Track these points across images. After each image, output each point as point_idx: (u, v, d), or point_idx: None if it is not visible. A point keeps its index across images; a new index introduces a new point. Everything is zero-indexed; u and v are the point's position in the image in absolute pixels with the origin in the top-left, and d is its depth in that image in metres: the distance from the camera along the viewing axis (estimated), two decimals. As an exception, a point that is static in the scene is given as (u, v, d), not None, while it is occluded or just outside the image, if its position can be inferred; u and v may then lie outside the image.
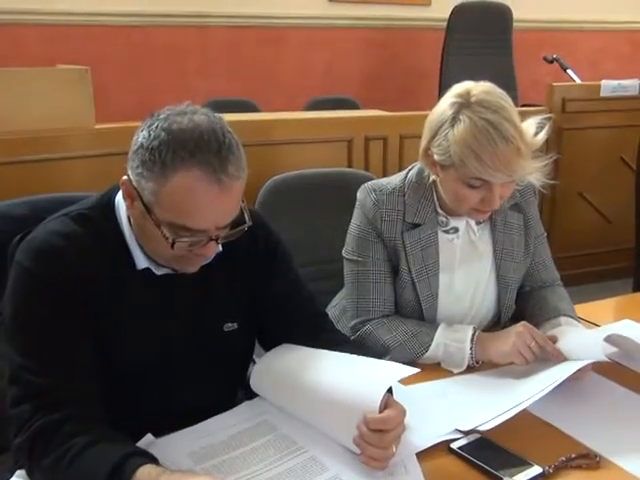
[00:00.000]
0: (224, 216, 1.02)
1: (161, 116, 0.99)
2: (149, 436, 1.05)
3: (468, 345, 1.30)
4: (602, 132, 3.33)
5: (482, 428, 1.09)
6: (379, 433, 0.98)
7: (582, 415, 1.17)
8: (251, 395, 1.23)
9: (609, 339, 1.24)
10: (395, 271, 1.42)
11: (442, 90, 3.39)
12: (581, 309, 1.59)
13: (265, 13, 4.00)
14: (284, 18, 4.05)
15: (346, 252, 1.45)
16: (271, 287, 1.21)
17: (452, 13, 4.00)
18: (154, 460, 0.93)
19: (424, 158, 1.35)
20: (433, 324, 1.39)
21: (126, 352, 1.08)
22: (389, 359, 1.31)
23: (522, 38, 4.29)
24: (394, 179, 1.45)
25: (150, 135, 0.97)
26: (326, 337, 1.22)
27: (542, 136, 1.30)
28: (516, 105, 4.03)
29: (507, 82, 4.07)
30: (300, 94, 3.87)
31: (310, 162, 2.26)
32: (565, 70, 3.69)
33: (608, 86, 3.18)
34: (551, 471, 1.01)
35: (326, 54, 4.20)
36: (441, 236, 1.42)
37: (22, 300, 1.02)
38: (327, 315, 1.32)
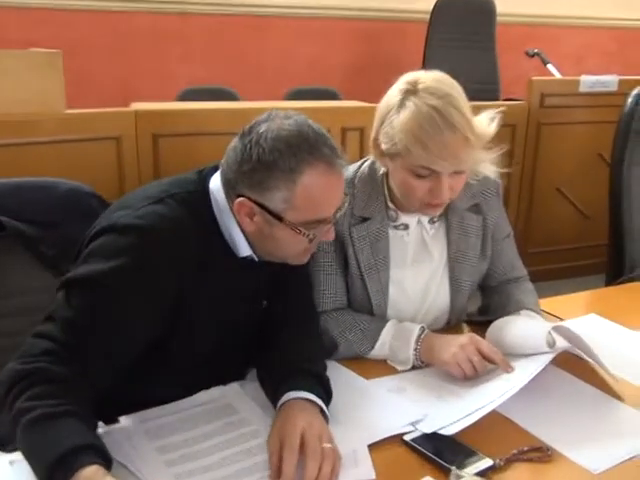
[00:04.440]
0: (342, 196, 1.11)
1: (260, 131, 1.03)
2: (100, 423, 1.05)
3: (412, 346, 1.28)
4: (581, 127, 3.33)
5: (443, 432, 1.06)
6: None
7: (538, 408, 1.16)
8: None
9: (557, 330, 1.24)
10: (346, 263, 1.39)
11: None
12: (549, 303, 1.59)
13: (250, 1, 3.97)
14: (268, 7, 4.02)
15: None
16: (289, 271, 1.22)
17: (435, 6, 3.98)
18: (106, 460, 0.91)
19: (374, 149, 1.32)
20: (383, 320, 1.36)
21: (203, 341, 1.13)
22: (337, 354, 1.32)
23: (506, 32, 4.28)
24: (346, 171, 1.41)
25: (265, 150, 1.01)
26: (296, 330, 1.22)
27: (494, 128, 1.27)
28: (498, 99, 4.02)
29: (490, 76, 4.08)
30: (282, 84, 3.84)
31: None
32: (546, 65, 3.68)
33: (587, 81, 3.18)
34: (502, 464, 1.00)
35: (310, 44, 4.17)
36: (391, 232, 1.39)
37: (112, 270, 1.00)
38: (313, 309, 1.32)
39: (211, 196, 1.12)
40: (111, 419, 1.08)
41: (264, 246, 1.12)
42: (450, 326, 1.47)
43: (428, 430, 1.07)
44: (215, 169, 1.14)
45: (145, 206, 1.06)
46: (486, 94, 3.82)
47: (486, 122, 1.28)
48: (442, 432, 1.06)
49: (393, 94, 1.26)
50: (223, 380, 1.19)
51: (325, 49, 4.21)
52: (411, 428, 1.08)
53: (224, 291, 1.13)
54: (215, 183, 1.12)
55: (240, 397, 1.17)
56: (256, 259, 1.16)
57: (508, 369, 1.22)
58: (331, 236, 1.13)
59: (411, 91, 1.23)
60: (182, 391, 1.14)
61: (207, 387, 1.17)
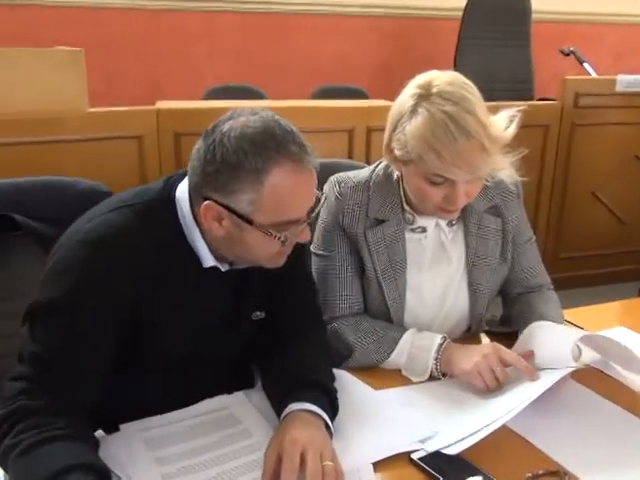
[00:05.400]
0: (314, 195, 1.04)
1: (224, 130, 0.98)
2: (99, 432, 1.04)
3: (433, 355, 1.23)
4: (617, 129, 3.21)
5: (447, 452, 1.01)
6: None
7: (556, 428, 1.09)
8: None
9: (585, 339, 1.18)
10: (362, 268, 1.36)
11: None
12: (575, 314, 1.52)
13: (278, -1, 3.95)
14: (297, 4, 3.99)
15: (313, 246, 1.39)
16: (284, 276, 1.18)
17: (468, 2, 3.89)
18: (101, 475, 0.89)
19: (387, 153, 1.27)
20: (401, 327, 1.32)
21: (173, 343, 1.09)
22: (352, 360, 1.28)
23: (542, 30, 4.17)
24: (362, 172, 1.38)
25: (229, 150, 0.96)
26: (300, 337, 1.19)
27: (512, 130, 1.21)
28: (532, 99, 3.91)
29: (524, 75, 3.98)
30: (310, 83, 3.80)
31: (309, 152, 2.20)
32: (581, 63, 3.57)
33: (624, 81, 3.06)
34: (514, 488, 0.95)
35: (338, 43, 4.13)
36: (409, 235, 1.34)
37: (65, 291, 0.98)
38: (316, 314, 1.28)
39: (177, 204, 1.07)
40: (112, 427, 1.06)
41: (235, 250, 1.06)
42: (470, 334, 1.42)
43: (433, 448, 1.02)
44: (184, 175, 1.08)
45: (98, 217, 1.03)
46: (520, 94, 3.72)
47: (504, 123, 1.22)
48: (446, 451, 1.01)
49: (405, 98, 1.21)
50: (220, 389, 1.16)
51: (354, 47, 4.16)
52: (420, 446, 1.03)
53: (191, 302, 1.08)
54: (182, 190, 1.07)
55: (245, 407, 1.14)
56: (222, 269, 1.10)
57: (533, 377, 1.16)
58: (306, 237, 1.07)
59: (424, 96, 1.18)
60: (173, 398, 1.11)
61: (203, 394, 1.14)
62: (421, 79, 1.21)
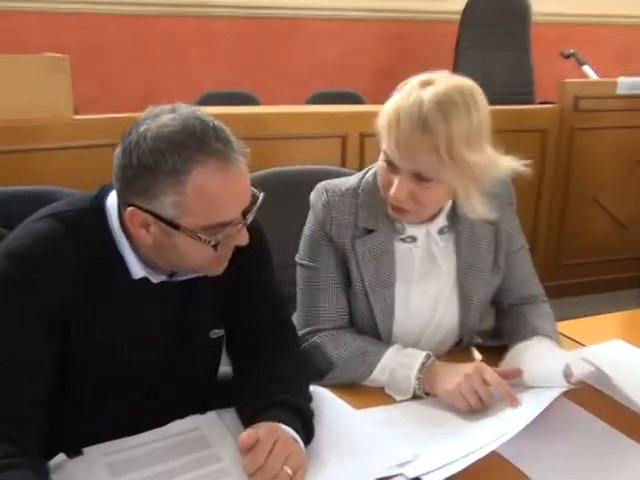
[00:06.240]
0: (247, 194, 0.99)
1: (140, 130, 0.93)
2: (61, 455, 0.98)
3: (415, 374, 1.17)
4: (618, 132, 3.15)
5: (429, 479, 0.95)
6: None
7: (549, 454, 1.02)
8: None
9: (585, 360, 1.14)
10: (349, 279, 1.30)
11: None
12: (570, 326, 1.47)
13: (274, 4, 3.91)
14: (293, 9, 3.95)
15: (298, 256, 1.34)
16: (244, 285, 1.14)
17: (467, 5, 3.86)
18: None
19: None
20: (385, 343, 1.26)
21: (113, 358, 1.04)
22: (332, 377, 1.22)
23: (543, 33, 4.12)
24: (351, 179, 1.33)
25: (145, 152, 0.91)
26: (272, 350, 1.13)
27: (490, 170, 1.18)
28: (532, 102, 3.84)
29: (524, 78, 3.93)
30: (307, 88, 3.76)
31: (302, 159, 2.15)
32: (582, 66, 3.51)
33: (625, 83, 3.00)
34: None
35: (336, 47, 4.09)
36: (398, 245, 1.29)
37: None
38: (287, 325, 1.22)
39: (107, 212, 1.02)
40: (74, 450, 1.00)
41: (168, 258, 1.01)
42: (461, 347, 1.37)
43: (413, 474, 0.96)
44: None
45: (24, 227, 1.00)
46: (520, 97, 3.67)
47: (494, 166, 1.18)
48: (427, 478, 0.95)
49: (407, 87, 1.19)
50: (194, 408, 1.10)
51: (351, 52, 4.12)
52: (398, 470, 0.97)
53: (121, 315, 1.03)
54: (113, 198, 1.01)
55: (216, 428, 1.08)
56: (153, 281, 1.04)
57: (514, 403, 1.10)
58: (243, 239, 1.00)
59: (422, 85, 1.15)
60: (140, 419, 1.05)
61: (175, 414, 1.08)
62: (434, 74, 1.19)
